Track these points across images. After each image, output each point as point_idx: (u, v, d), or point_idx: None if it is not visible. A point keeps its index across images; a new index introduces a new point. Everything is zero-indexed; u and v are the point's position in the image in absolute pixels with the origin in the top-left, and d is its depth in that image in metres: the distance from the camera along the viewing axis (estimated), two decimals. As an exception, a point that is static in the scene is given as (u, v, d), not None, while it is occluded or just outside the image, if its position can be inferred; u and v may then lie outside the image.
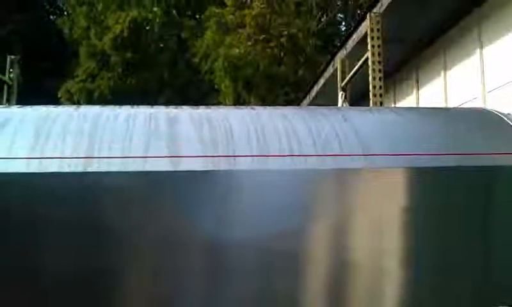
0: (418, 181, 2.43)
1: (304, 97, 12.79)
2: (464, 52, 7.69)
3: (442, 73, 8.35)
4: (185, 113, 2.60)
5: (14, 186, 2.16)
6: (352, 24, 9.23)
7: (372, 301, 2.33)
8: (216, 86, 18.52)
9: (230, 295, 2.21)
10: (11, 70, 5.50)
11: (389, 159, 2.44)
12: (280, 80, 17.64)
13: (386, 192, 2.39)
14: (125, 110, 2.58)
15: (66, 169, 2.18)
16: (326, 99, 10.81)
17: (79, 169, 2.18)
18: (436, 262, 2.35)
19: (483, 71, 7.18)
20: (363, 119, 2.84)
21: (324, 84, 10.71)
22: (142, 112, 2.58)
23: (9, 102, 5.39)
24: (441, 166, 2.41)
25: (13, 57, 5.70)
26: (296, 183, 2.34)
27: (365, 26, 6.82)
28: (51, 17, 28.67)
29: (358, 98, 9.17)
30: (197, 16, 22.43)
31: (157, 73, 22.48)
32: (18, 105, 2.86)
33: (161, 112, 2.59)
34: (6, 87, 5.38)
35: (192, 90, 22.14)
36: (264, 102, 16.59)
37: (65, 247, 2.15)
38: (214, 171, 2.25)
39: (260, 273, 2.25)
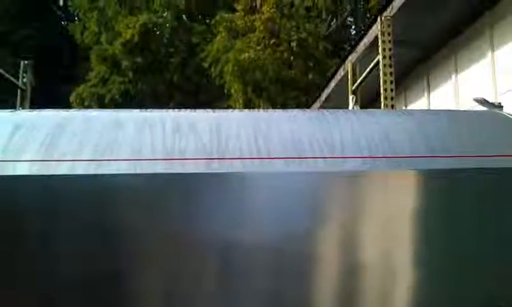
0: (429, 184, 2.42)
1: (315, 101, 12.78)
2: (475, 54, 7.65)
3: (453, 76, 8.31)
4: (193, 116, 2.62)
5: (25, 188, 2.19)
6: (363, 28, 9.22)
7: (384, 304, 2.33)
8: (225, 90, 18.56)
9: (240, 296, 2.22)
10: (24, 75, 5.56)
11: (399, 162, 2.43)
12: (289, 84, 17.64)
13: (395, 195, 2.38)
14: (136, 114, 2.62)
15: (79, 172, 2.20)
16: (337, 102, 10.81)
17: (91, 171, 2.21)
18: (448, 264, 2.33)
19: (495, 73, 7.14)
20: (373, 121, 2.83)
21: (335, 88, 10.71)
22: (152, 115, 2.60)
23: (22, 107, 5.45)
24: (452, 168, 2.40)
25: (26, 62, 5.75)
26: (303, 186, 2.34)
27: (375, 30, 6.82)
28: (63, 23, 28.96)
29: (369, 101, 9.16)
30: (207, 21, 22.51)
31: (167, 78, 22.59)
32: (31, 110, 2.90)
33: (170, 116, 2.62)
34: (19, 92, 5.44)
35: (202, 94, 22.22)
36: (274, 105, 16.60)
37: (79, 250, 2.17)
38: (221, 173, 2.26)
39: (270, 276, 2.25)
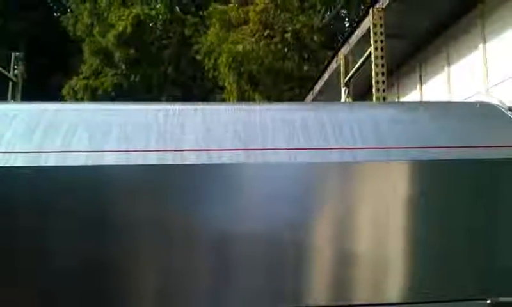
0: (420, 174, 2.45)
1: (308, 93, 12.80)
2: (467, 46, 7.68)
3: (446, 68, 8.35)
4: (189, 108, 2.64)
5: (21, 180, 2.20)
6: (356, 20, 9.23)
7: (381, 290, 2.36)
8: (220, 83, 18.53)
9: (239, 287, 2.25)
10: (15, 67, 5.54)
11: (390, 153, 2.46)
12: (284, 76, 17.63)
13: (389, 185, 2.41)
14: (133, 106, 2.64)
15: (80, 163, 2.21)
16: (330, 95, 10.83)
17: (91, 162, 2.22)
18: (442, 254, 2.36)
19: (486, 66, 7.18)
20: (365, 113, 2.85)
21: (328, 80, 10.72)
22: (150, 108, 2.63)
23: (14, 99, 5.43)
24: (441, 159, 2.42)
25: (17, 54, 5.73)
26: (300, 177, 2.37)
27: (368, 21, 6.82)
28: (55, 15, 28.74)
29: (362, 93, 9.18)
30: (200, 13, 22.43)
31: (161, 70, 22.52)
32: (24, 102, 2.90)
33: (165, 108, 2.63)
34: (10, 84, 5.42)
35: (196, 87, 22.17)
36: (268, 98, 16.60)
37: (80, 242, 2.18)
38: (223, 164, 2.28)
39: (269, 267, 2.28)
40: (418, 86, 9.32)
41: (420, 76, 9.26)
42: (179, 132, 2.42)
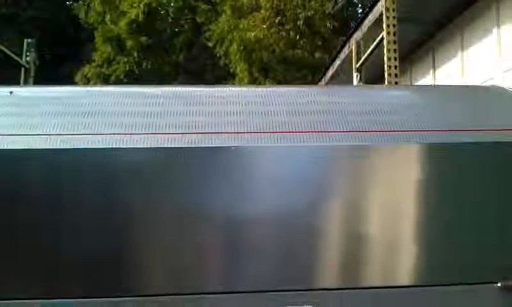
0: (432, 157, 2.44)
1: (320, 79, 12.72)
2: (481, 31, 7.56)
3: (459, 54, 8.23)
4: (201, 92, 2.67)
5: (34, 162, 2.22)
6: (368, 5, 9.12)
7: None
8: (231, 70, 18.47)
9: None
10: (27, 54, 5.58)
11: (402, 135, 2.45)
12: (296, 63, 17.52)
13: (402, 169, 2.40)
14: (145, 89, 2.69)
15: (94, 145, 2.23)
16: (342, 81, 10.75)
17: (102, 145, 2.24)
18: (451, 236, 2.35)
19: (500, 50, 7.07)
20: (377, 96, 2.85)
21: (340, 66, 10.64)
22: (163, 90, 2.67)
23: (26, 84, 5.48)
24: (454, 142, 2.41)
25: (29, 40, 5.77)
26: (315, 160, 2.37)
27: (380, 6, 6.75)
28: (68, 3, 28.82)
29: (374, 79, 9.10)
30: (212, 0, 22.33)
31: (172, 58, 22.51)
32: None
33: (178, 91, 2.66)
34: (23, 70, 5.46)
35: (208, 74, 22.14)
36: (280, 85, 16.52)
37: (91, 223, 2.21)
38: (235, 147, 2.30)
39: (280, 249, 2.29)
40: (431, 71, 9.21)
41: (434, 61, 9.15)
42: None
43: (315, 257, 2.32)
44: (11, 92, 2.57)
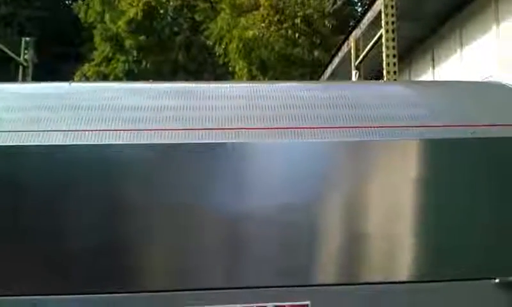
0: (431, 153, 2.43)
1: (319, 77, 12.72)
2: (480, 29, 7.56)
3: (458, 51, 8.23)
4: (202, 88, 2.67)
5: (30, 158, 2.21)
6: (367, 3, 9.13)
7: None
8: (230, 68, 18.46)
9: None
10: (25, 52, 5.57)
11: (402, 131, 2.44)
12: (295, 62, 17.51)
13: (400, 164, 2.40)
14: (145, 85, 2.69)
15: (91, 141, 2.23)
16: (340, 79, 10.75)
17: (103, 141, 2.24)
18: (449, 232, 2.35)
19: (500, 47, 7.06)
20: (376, 92, 2.84)
21: (339, 64, 10.63)
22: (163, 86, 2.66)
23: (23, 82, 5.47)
24: (453, 138, 2.40)
25: (27, 39, 5.77)
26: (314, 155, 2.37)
27: (379, 4, 6.73)
28: (67, 2, 28.81)
29: (373, 77, 9.10)
30: (211, -1, 22.30)
31: (172, 56, 22.48)
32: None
33: (176, 87, 2.66)
34: (21, 68, 5.46)
35: (207, 73, 22.13)
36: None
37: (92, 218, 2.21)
38: (239, 143, 2.29)
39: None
40: (430, 70, 9.21)
41: (433, 59, 9.14)
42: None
43: (313, 253, 2.31)
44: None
